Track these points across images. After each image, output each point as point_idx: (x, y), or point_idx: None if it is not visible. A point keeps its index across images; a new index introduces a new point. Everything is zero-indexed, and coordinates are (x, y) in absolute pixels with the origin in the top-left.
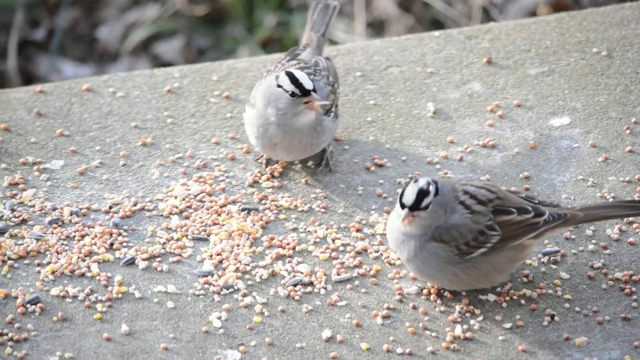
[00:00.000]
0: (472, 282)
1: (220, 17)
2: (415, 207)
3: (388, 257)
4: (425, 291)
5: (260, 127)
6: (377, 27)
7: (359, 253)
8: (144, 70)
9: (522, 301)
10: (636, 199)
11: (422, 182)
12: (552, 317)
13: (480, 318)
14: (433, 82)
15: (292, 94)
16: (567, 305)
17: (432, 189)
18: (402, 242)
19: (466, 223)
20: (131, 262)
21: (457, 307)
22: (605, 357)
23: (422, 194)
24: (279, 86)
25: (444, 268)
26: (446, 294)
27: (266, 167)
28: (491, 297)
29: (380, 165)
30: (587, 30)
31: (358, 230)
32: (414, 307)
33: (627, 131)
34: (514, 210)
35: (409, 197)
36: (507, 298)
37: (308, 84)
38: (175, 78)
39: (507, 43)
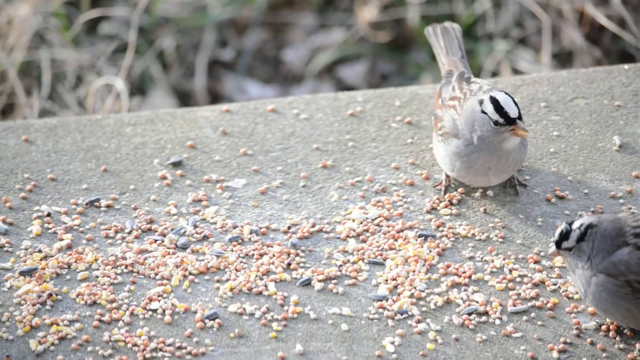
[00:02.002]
0: None
1: (404, 43)
2: (558, 246)
3: (566, 290)
4: (604, 327)
5: (470, 154)
6: (563, 59)
7: (536, 285)
8: (327, 94)
9: None
10: None
11: (572, 226)
12: None
13: None
14: (620, 115)
15: (496, 123)
16: None
17: (574, 235)
18: (576, 276)
19: (637, 260)
20: (307, 283)
21: (638, 345)
22: None
23: (563, 236)
24: (483, 112)
25: (616, 302)
26: (626, 331)
27: (444, 194)
28: None
29: (562, 198)
30: None
31: (536, 262)
32: (592, 343)
33: None
34: None
35: (556, 234)
36: None
37: (513, 112)
38: (359, 102)
39: None
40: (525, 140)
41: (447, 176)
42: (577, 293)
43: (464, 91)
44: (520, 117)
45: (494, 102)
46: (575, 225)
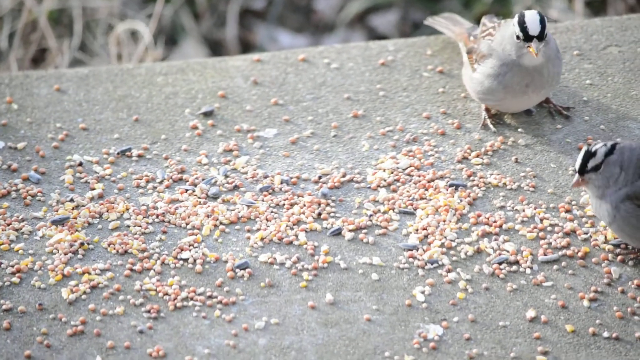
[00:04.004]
0: None
1: None
2: (582, 170)
3: (596, 239)
4: (636, 281)
5: (506, 74)
6: (596, 7)
7: (567, 234)
8: (359, 43)
9: None
10: None
11: (593, 146)
12: None
13: None
14: None
15: (517, 37)
16: None
17: (601, 150)
18: (599, 206)
19: None
20: (338, 233)
21: None
22: None
23: (588, 156)
24: (513, 25)
25: None
26: None
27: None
28: None
29: None
30: None
31: (567, 211)
32: (623, 292)
33: None
34: None
35: (577, 160)
36: None
37: (533, 30)
38: (390, 51)
39: None
40: (560, 55)
41: (487, 109)
42: (607, 242)
43: (498, 22)
44: (540, 37)
45: (521, 16)
46: (599, 145)
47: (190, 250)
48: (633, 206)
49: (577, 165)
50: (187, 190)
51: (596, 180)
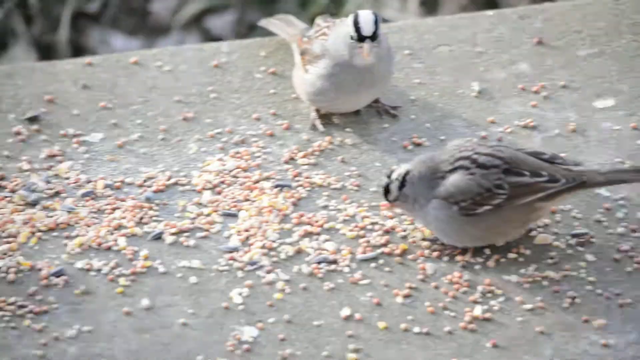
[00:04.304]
0: (483, 237)
1: None
2: (387, 200)
3: (415, 237)
4: (449, 276)
5: (339, 74)
6: (430, 6)
7: (387, 232)
8: (193, 45)
9: (545, 283)
10: None
11: (391, 177)
12: (573, 299)
13: (502, 299)
14: (481, 61)
15: (351, 37)
16: (589, 287)
17: (394, 187)
18: (415, 217)
19: (466, 182)
20: (159, 237)
21: (479, 288)
22: (623, 339)
23: (386, 190)
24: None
25: (450, 223)
26: (467, 277)
27: (317, 127)
28: (514, 278)
29: (418, 145)
30: None
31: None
32: (436, 287)
33: None
34: (526, 173)
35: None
36: (530, 279)
37: (366, 30)
38: (224, 53)
39: (559, 24)
40: (392, 54)
41: (317, 111)
42: (424, 240)
43: (332, 21)
44: (373, 38)
45: (356, 16)
46: (394, 176)
47: (4, 259)
48: (439, 202)
49: (385, 195)
50: (5, 197)
51: (400, 206)
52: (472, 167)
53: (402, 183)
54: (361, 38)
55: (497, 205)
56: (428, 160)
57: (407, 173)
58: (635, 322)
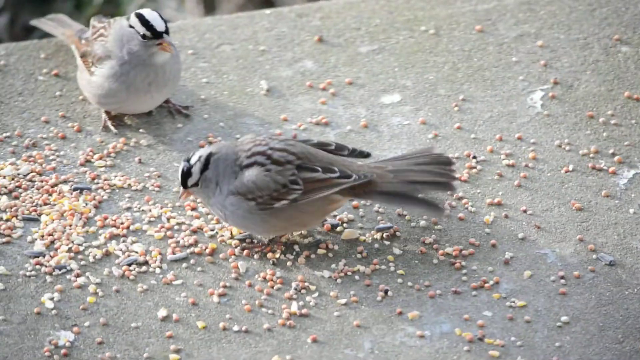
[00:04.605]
0: (284, 227)
1: None
2: (185, 186)
3: (223, 236)
4: (262, 274)
5: (128, 73)
6: (208, 5)
7: (194, 232)
8: None
9: (357, 277)
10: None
11: (190, 161)
12: (386, 292)
13: (316, 294)
14: (265, 60)
15: (144, 36)
16: (400, 280)
17: (196, 168)
18: (212, 206)
19: (263, 178)
20: None
21: (293, 284)
22: (437, 330)
23: (186, 174)
24: (131, 27)
25: (250, 217)
26: (279, 274)
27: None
28: (326, 274)
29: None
30: (415, 8)
31: (193, 209)
32: (250, 285)
33: (456, 108)
34: (319, 168)
35: (179, 175)
36: (342, 274)
37: (160, 26)
38: (2, 56)
39: (337, 21)
40: (178, 53)
41: (107, 112)
42: (232, 238)
43: (107, 21)
44: (167, 32)
45: (140, 16)
46: (194, 159)
47: None
48: (236, 199)
49: (179, 180)
50: None
51: (199, 193)
52: (267, 164)
53: (205, 165)
54: (157, 34)
55: (294, 200)
56: (232, 145)
57: (210, 154)
58: (447, 313)
